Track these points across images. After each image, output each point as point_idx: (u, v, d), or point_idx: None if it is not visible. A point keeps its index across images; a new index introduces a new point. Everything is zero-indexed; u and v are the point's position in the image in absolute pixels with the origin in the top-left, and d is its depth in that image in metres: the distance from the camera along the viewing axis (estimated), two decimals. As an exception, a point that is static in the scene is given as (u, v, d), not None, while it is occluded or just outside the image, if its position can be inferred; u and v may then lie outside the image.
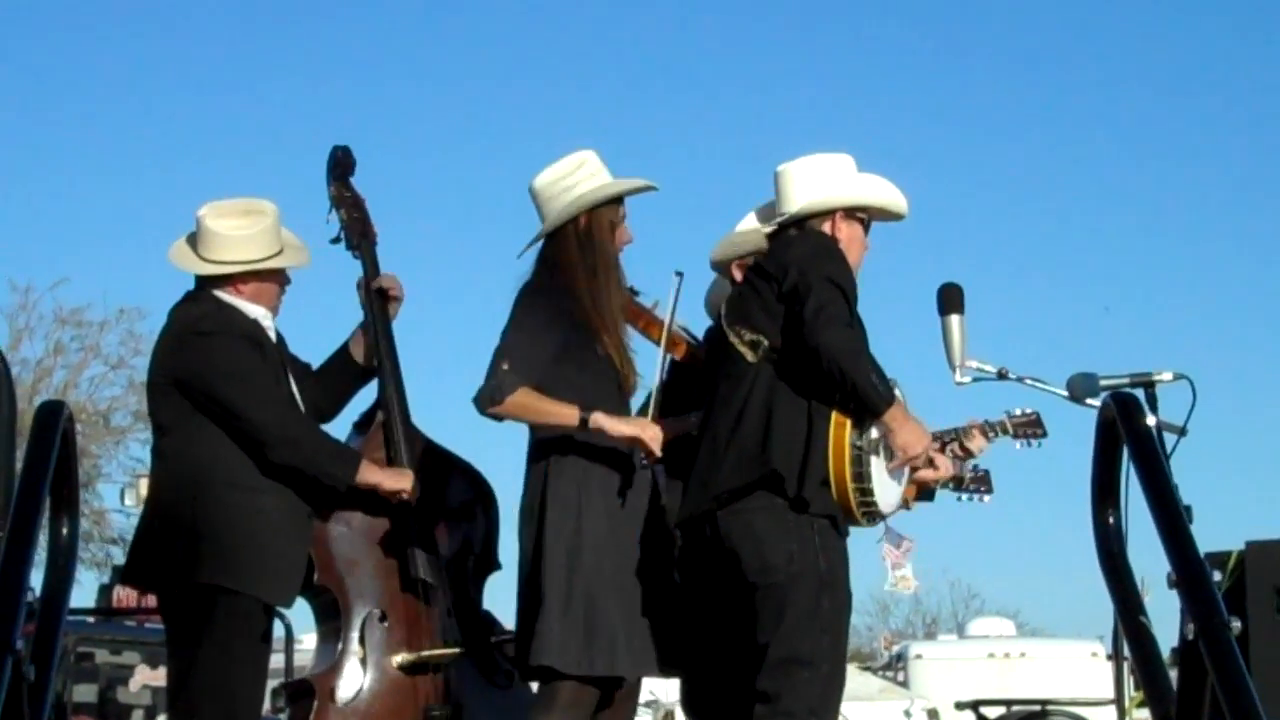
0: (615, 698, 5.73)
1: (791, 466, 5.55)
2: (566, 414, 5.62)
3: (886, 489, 5.74)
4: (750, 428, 5.63)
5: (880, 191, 5.97)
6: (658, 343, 5.98)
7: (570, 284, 5.73)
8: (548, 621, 5.53)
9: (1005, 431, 6.92)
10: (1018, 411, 6.94)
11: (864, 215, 5.93)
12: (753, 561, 5.56)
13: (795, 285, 5.58)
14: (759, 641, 5.55)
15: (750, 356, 5.69)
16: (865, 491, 5.61)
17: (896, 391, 5.65)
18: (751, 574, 5.55)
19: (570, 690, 5.58)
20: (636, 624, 5.64)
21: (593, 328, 5.71)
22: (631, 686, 5.84)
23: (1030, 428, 6.95)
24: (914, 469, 6.10)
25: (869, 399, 5.49)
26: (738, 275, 6.40)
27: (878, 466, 5.66)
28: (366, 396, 6.39)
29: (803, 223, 5.85)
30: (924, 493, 6.80)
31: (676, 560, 6.03)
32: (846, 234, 5.84)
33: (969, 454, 6.82)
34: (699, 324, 6.33)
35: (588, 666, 5.56)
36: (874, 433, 5.63)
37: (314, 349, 6.41)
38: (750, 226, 6.74)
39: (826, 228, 5.83)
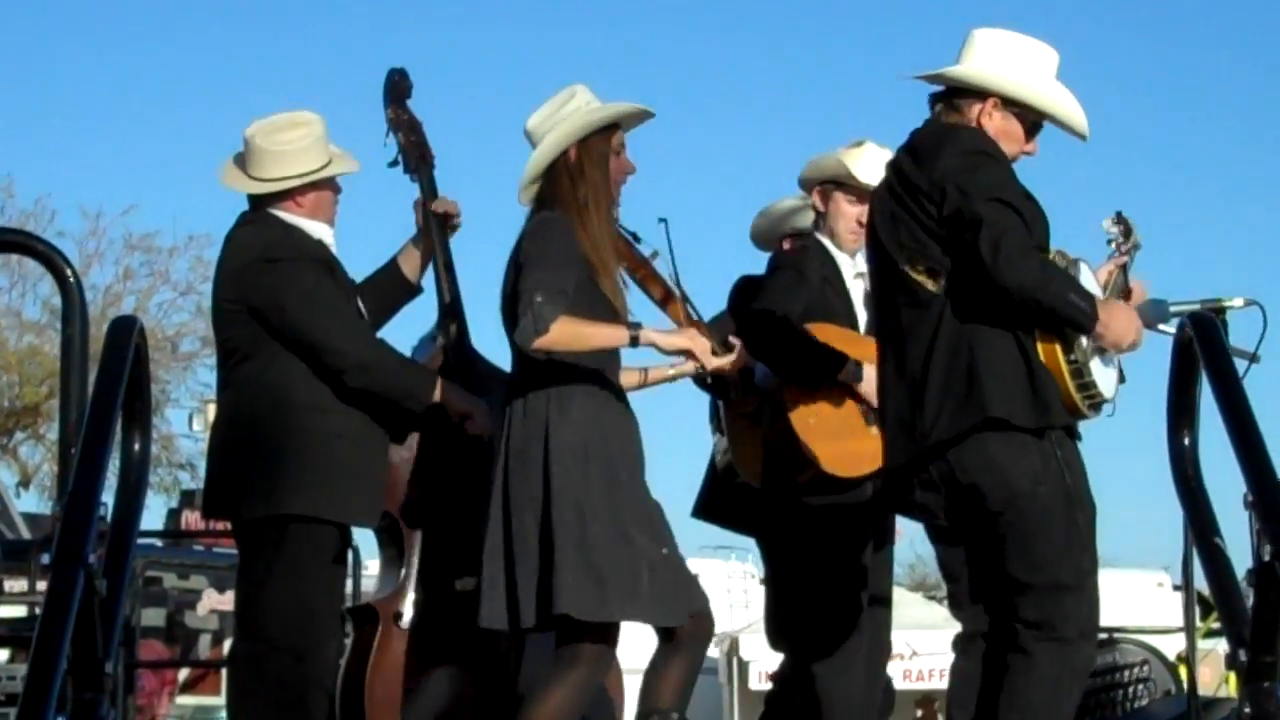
0: (677, 637, 5.43)
1: (1014, 406, 5.18)
2: (614, 333, 5.37)
3: (1106, 378, 5.39)
4: (952, 364, 5.23)
5: (1041, 90, 5.41)
6: (657, 301, 5.76)
7: (569, 220, 5.42)
8: (564, 570, 5.23)
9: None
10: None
11: (1020, 111, 5.40)
12: (997, 491, 5.18)
13: (959, 209, 5.15)
14: (1009, 570, 5.22)
15: (932, 286, 5.27)
16: (1091, 395, 5.30)
17: (1088, 276, 5.35)
18: (997, 504, 5.18)
19: (595, 641, 5.32)
20: (655, 567, 5.32)
21: (592, 265, 5.39)
22: (697, 623, 5.45)
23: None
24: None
25: (1074, 322, 5.15)
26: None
27: (1095, 365, 5.32)
28: (424, 315, 6.36)
29: (953, 98, 5.42)
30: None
31: (870, 505, 5.95)
32: (998, 125, 5.36)
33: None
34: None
35: (607, 613, 5.27)
36: (1083, 341, 5.26)
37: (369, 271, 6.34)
38: (788, 205, 6.69)
39: (974, 111, 5.37)
